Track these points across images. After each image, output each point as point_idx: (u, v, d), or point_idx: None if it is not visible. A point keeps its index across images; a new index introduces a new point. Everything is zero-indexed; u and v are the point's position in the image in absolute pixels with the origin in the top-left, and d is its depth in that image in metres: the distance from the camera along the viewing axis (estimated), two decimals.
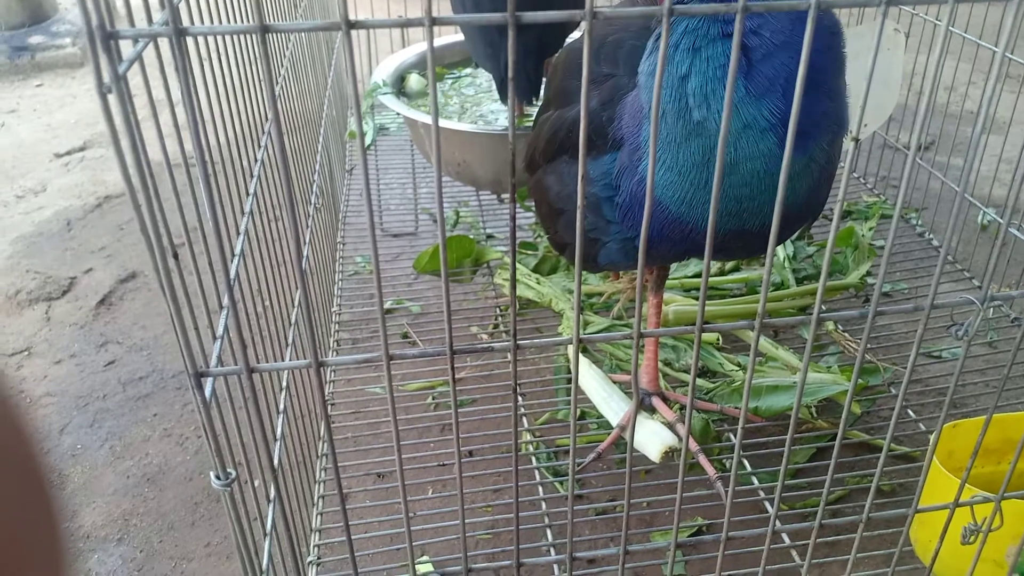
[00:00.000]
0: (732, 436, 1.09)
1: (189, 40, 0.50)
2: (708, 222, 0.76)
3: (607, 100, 0.81)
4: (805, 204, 0.81)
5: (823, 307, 1.36)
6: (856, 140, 0.45)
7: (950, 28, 0.44)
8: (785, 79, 0.72)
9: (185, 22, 0.51)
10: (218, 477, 0.49)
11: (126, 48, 0.44)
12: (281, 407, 0.78)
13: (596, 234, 0.87)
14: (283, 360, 0.80)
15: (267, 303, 0.77)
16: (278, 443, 0.73)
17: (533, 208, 1.04)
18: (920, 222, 1.54)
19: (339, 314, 1.35)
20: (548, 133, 0.92)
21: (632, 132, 0.79)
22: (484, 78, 1.74)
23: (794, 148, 0.42)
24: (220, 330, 0.53)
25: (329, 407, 1.15)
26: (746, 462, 1.04)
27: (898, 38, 1.35)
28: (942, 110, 1.96)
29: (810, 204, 0.83)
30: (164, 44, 0.43)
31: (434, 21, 0.40)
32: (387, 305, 1.42)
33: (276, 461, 0.71)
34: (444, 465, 1.06)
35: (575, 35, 1.45)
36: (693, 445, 1.01)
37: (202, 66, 0.62)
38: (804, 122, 0.72)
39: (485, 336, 1.34)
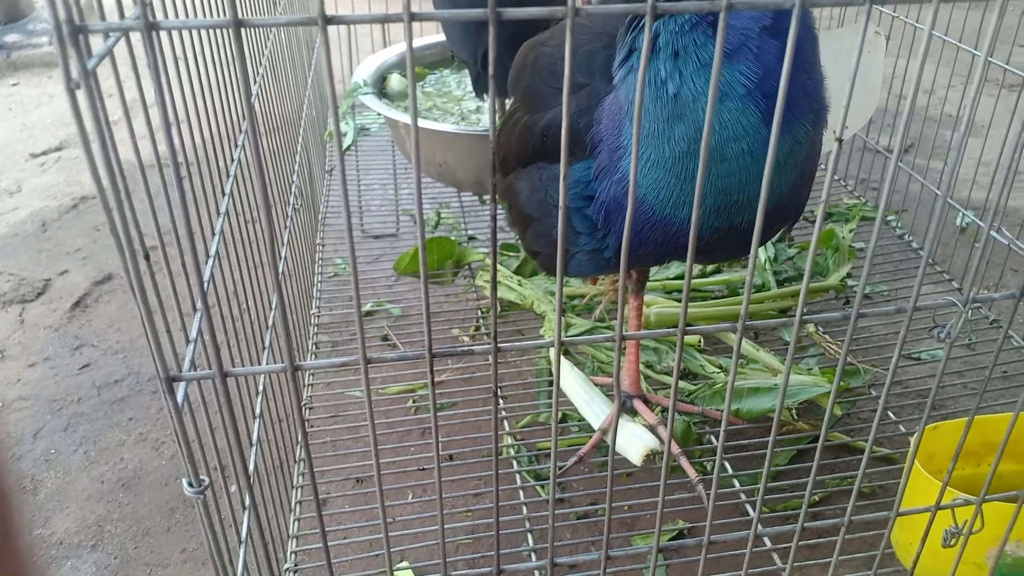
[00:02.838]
0: (714, 438, 1.09)
1: (164, 37, 0.49)
2: (694, 220, 0.76)
3: (584, 107, 0.80)
4: (790, 199, 0.80)
5: (804, 309, 1.36)
6: (839, 140, 0.45)
7: (931, 31, 0.44)
8: (757, 39, 0.70)
9: (159, 18, 0.50)
10: (191, 484, 0.47)
11: (97, 45, 0.42)
12: (257, 411, 0.76)
13: (565, 244, 0.86)
14: (259, 364, 0.79)
15: (244, 305, 0.76)
16: (254, 448, 0.72)
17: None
18: (899, 224, 1.55)
19: (318, 316, 1.33)
20: (520, 137, 0.91)
21: (612, 134, 0.78)
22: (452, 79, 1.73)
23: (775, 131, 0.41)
24: (193, 333, 0.52)
25: (307, 411, 1.14)
26: (728, 464, 1.04)
27: (878, 41, 1.35)
28: (921, 113, 1.98)
29: (794, 200, 0.82)
30: (138, 42, 0.42)
31: (413, 17, 0.39)
32: (367, 307, 1.40)
33: (252, 467, 0.70)
34: (424, 469, 1.05)
35: None
36: (675, 448, 1.00)
37: (176, 64, 0.61)
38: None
39: (466, 338, 1.33)
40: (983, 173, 1.48)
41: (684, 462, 0.98)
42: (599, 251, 0.84)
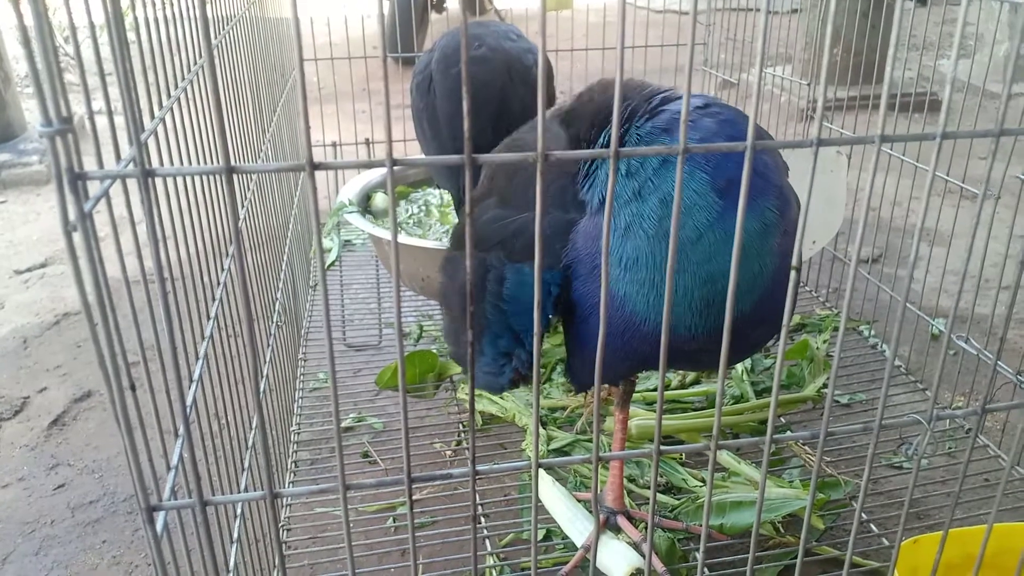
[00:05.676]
0: (700, 555, 1.07)
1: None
2: (682, 323, 0.78)
3: (559, 230, 0.83)
4: (771, 296, 0.80)
5: (781, 420, 1.37)
6: (796, 269, 0.47)
7: (889, 152, 0.47)
8: (695, 115, 0.78)
9: (151, 147, 0.53)
10: None
11: (94, 185, 0.45)
12: (235, 536, 0.75)
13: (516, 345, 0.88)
14: (239, 486, 0.78)
15: (223, 422, 0.76)
16: (231, 574, 0.71)
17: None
18: (872, 333, 1.58)
19: (298, 433, 1.32)
20: (491, 222, 0.90)
21: (589, 253, 0.81)
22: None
23: (737, 204, 0.43)
24: (175, 460, 0.52)
25: (285, 532, 1.12)
26: None
27: (840, 160, 1.42)
28: (887, 225, 2.05)
29: (773, 300, 0.81)
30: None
31: (395, 163, 0.42)
32: (348, 422, 1.40)
33: None
34: None
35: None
36: (659, 566, 0.99)
37: (168, 196, 0.63)
38: (737, 176, 0.74)
39: (448, 452, 1.32)
40: (951, 281, 1.53)
41: None
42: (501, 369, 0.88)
